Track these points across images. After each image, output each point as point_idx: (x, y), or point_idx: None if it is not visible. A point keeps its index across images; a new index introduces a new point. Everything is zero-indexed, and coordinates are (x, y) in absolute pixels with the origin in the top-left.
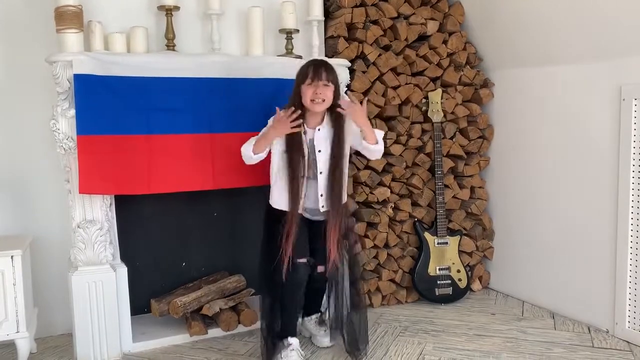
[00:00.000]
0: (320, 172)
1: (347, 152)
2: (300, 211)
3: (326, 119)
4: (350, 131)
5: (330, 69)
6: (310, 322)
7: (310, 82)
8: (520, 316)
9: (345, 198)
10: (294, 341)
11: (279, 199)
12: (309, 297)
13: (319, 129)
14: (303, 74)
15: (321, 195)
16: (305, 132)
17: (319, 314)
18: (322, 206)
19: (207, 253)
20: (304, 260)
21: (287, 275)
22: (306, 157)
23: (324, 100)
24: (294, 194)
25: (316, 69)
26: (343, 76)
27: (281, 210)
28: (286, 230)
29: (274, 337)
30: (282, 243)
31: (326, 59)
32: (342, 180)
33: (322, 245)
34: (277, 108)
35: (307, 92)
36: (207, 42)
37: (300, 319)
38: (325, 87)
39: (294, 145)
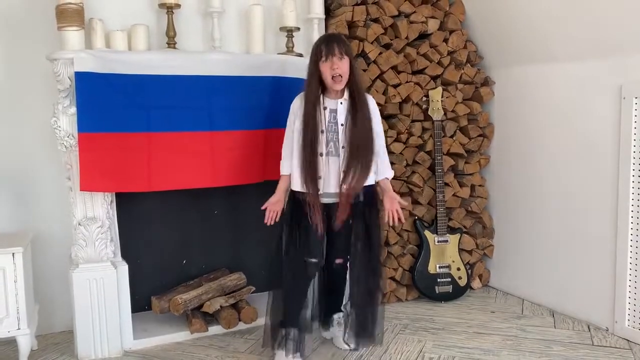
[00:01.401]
0: (343, 147)
1: (370, 126)
2: (320, 192)
3: (346, 92)
4: (373, 112)
5: (342, 41)
6: (332, 322)
7: (325, 60)
8: (520, 314)
9: (371, 180)
10: (293, 332)
11: (295, 179)
12: (328, 294)
13: (341, 102)
14: (317, 51)
15: (343, 172)
16: (325, 107)
17: (340, 313)
18: (343, 184)
19: (208, 250)
20: (315, 260)
21: (296, 268)
22: (325, 132)
23: (341, 76)
24: (314, 172)
25: (329, 45)
26: None
27: (302, 194)
28: (314, 216)
29: (278, 327)
30: (316, 238)
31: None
32: (367, 158)
33: (341, 235)
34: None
35: (326, 70)
36: (208, 40)
37: (320, 319)
38: (340, 61)
39: (312, 120)
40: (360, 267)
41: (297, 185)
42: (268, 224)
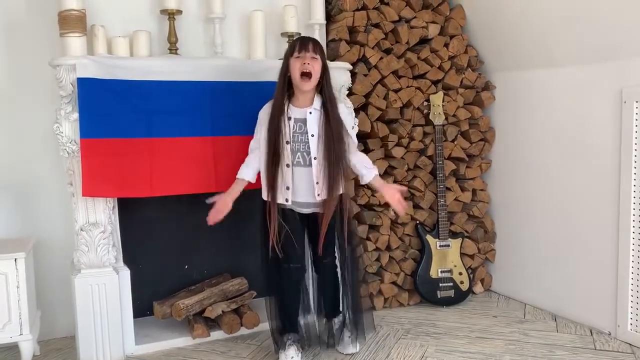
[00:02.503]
0: (315, 158)
1: (343, 136)
2: (289, 205)
3: (316, 100)
4: (343, 116)
5: (317, 43)
6: (334, 327)
7: (298, 55)
8: (522, 318)
9: (342, 189)
10: (292, 337)
11: (263, 188)
12: (325, 296)
13: (310, 112)
14: (290, 48)
15: (317, 183)
16: (290, 118)
17: (341, 315)
18: (318, 194)
19: (210, 256)
20: (297, 265)
21: (281, 274)
22: (290, 143)
23: (310, 76)
24: (274, 182)
25: (303, 42)
26: (344, 79)
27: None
28: (271, 224)
29: (277, 332)
30: (297, 244)
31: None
32: (339, 167)
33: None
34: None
35: (295, 65)
36: (210, 45)
37: (320, 324)
38: (313, 60)
39: (275, 130)
40: (343, 266)
41: (264, 194)
42: (210, 224)
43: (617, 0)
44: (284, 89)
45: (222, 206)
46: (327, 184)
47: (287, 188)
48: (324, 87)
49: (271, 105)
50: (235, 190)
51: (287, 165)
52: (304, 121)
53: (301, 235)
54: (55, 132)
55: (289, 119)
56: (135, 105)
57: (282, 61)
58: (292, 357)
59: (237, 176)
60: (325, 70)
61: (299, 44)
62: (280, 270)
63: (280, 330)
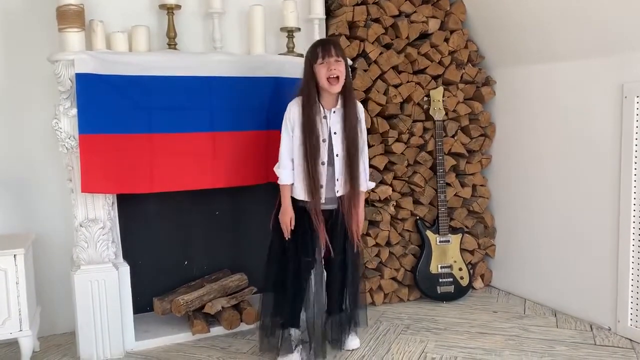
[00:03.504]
0: (337, 155)
1: (359, 133)
2: (322, 201)
3: (340, 100)
4: (361, 120)
5: (337, 45)
6: (336, 323)
7: (322, 61)
8: (522, 314)
9: (364, 186)
10: (294, 332)
11: (298, 189)
12: (330, 292)
13: (334, 111)
14: (313, 54)
15: (337, 180)
16: (325, 117)
17: (343, 313)
18: (338, 191)
19: (209, 252)
20: (309, 259)
21: (294, 268)
22: (326, 141)
23: (338, 78)
24: (317, 182)
25: (325, 47)
26: None
27: (300, 201)
28: (315, 225)
29: (277, 328)
30: (312, 239)
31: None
32: (358, 163)
33: (337, 234)
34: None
35: (321, 72)
36: (209, 40)
37: (323, 320)
38: (337, 63)
39: (312, 130)
40: (348, 262)
41: (300, 195)
42: (287, 238)
43: None
44: (314, 90)
45: (288, 219)
46: (350, 179)
47: (321, 186)
48: (345, 87)
49: (300, 106)
50: (289, 197)
51: (323, 163)
52: (330, 120)
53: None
54: (54, 128)
55: (324, 117)
56: (134, 100)
57: (303, 67)
58: (291, 353)
59: (285, 182)
60: (347, 71)
61: (322, 49)
62: (292, 265)
63: (282, 325)
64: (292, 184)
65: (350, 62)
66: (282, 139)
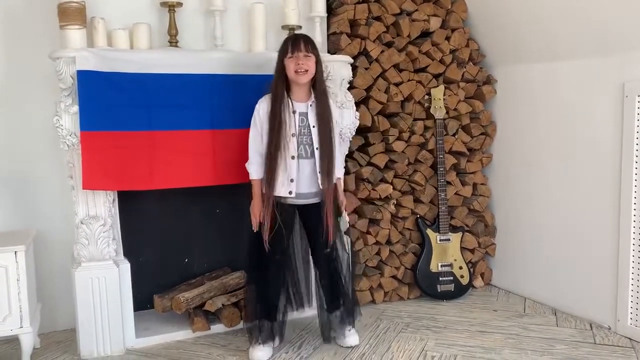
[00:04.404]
0: (317, 148)
1: (334, 126)
2: (292, 197)
3: (312, 93)
4: (334, 107)
5: (308, 40)
6: (335, 319)
7: (291, 55)
8: (522, 313)
9: (339, 173)
10: (267, 324)
11: (265, 181)
12: (326, 288)
13: (310, 105)
14: (283, 48)
15: (319, 173)
16: (295, 111)
17: (342, 309)
18: (321, 184)
19: (210, 249)
20: (284, 257)
21: (267, 265)
22: (296, 135)
23: (306, 71)
24: (274, 174)
25: (295, 42)
26: (345, 73)
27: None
28: (267, 217)
29: (253, 319)
30: (283, 236)
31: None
32: (333, 155)
33: (323, 227)
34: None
35: (290, 65)
36: (210, 38)
37: (324, 317)
38: (306, 58)
39: (279, 124)
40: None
41: (277, 190)
42: (255, 230)
43: None
44: (283, 85)
45: (257, 212)
46: (327, 173)
47: (292, 180)
48: (316, 81)
49: (269, 101)
50: (259, 192)
51: (293, 158)
52: (306, 114)
53: (291, 228)
54: (55, 125)
55: (294, 112)
56: (135, 98)
57: (275, 66)
58: (263, 344)
59: (254, 177)
60: (318, 64)
61: (291, 44)
62: (265, 261)
63: (257, 315)
64: (262, 179)
65: (351, 60)
66: (250, 135)
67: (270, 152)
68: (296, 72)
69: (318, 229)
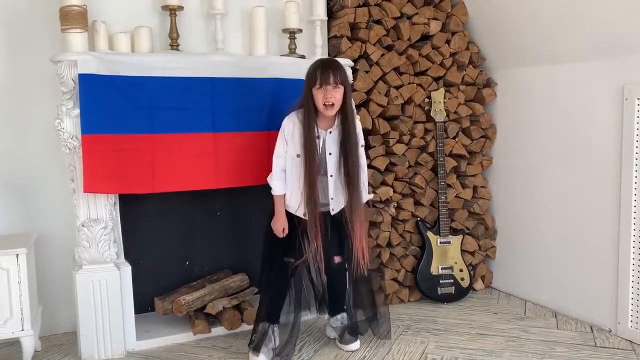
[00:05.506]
0: (331, 175)
1: (358, 153)
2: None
3: (337, 121)
4: (360, 138)
5: (338, 69)
6: (336, 323)
7: (319, 87)
8: (522, 315)
9: (365, 198)
10: (270, 328)
11: (293, 201)
12: (330, 293)
13: (330, 132)
14: (311, 77)
15: (332, 199)
16: (318, 137)
17: (344, 313)
18: (332, 209)
19: (211, 252)
20: (291, 259)
21: (279, 268)
22: (318, 158)
23: (333, 105)
24: (314, 196)
25: (324, 72)
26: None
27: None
28: (313, 234)
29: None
30: (310, 247)
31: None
32: (358, 182)
33: (336, 236)
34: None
35: (318, 97)
36: (211, 41)
37: (326, 319)
38: (334, 90)
39: (310, 148)
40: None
41: (293, 207)
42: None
43: None
44: (311, 113)
45: (280, 227)
46: (350, 198)
47: (332, 198)
48: (344, 107)
49: (297, 122)
50: (282, 209)
51: (322, 175)
52: (324, 141)
53: (297, 234)
54: (56, 128)
55: (317, 137)
56: (136, 101)
57: (304, 88)
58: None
59: (278, 193)
60: (346, 94)
61: (320, 75)
62: (275, 264)
63: (258, 318)
64: (285, 194)
65: (351, 63)
66: (276, 150)
67: (307, 173)
68: (324, 104)
69: (330, 238)
